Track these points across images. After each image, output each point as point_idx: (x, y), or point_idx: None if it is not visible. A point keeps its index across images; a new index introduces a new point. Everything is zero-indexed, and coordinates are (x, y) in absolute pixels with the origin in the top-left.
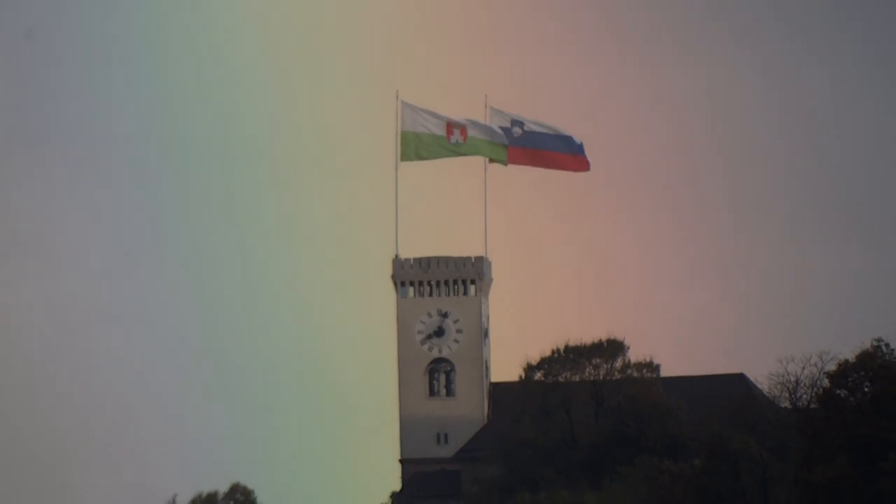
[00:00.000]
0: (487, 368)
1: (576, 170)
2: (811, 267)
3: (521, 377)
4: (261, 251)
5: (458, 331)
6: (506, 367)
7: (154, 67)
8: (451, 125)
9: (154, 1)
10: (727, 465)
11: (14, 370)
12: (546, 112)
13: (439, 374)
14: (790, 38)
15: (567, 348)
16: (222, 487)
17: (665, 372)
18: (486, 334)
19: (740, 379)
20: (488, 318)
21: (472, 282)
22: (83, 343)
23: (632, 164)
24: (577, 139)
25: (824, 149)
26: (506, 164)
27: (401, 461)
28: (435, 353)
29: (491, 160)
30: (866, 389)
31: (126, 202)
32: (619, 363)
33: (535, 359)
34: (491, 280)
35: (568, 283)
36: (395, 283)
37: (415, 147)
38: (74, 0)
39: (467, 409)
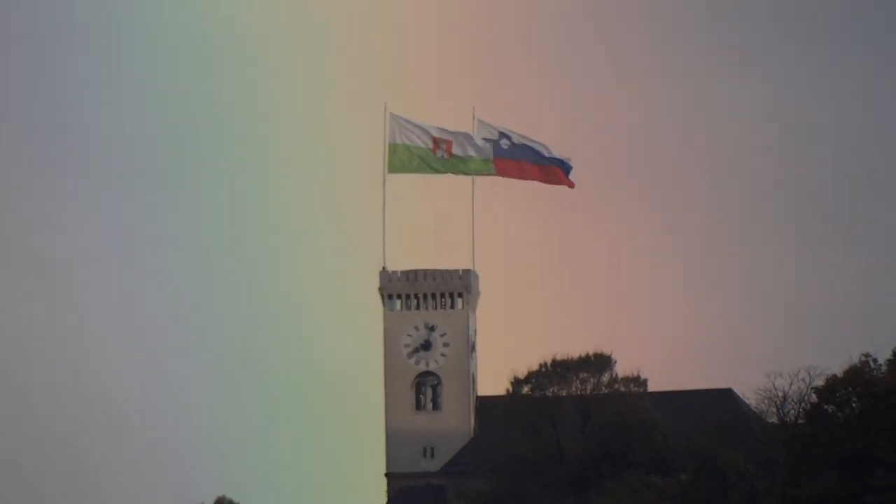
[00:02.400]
0: (474, 382)
1: (560, 184)
2: (799, 281)
3: (508, 391)
4: (247, 262)
5: (445, 344)
6: (493, 380)
7: (137, 76)
8: (436, 140)
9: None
10: (714, 481)
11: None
12: (534, 125)
13: (426, 388)
14: (778, 46)
15: (554, 362)
16: (208, 500)
17: (652, 387)
18: (472, 348)
19: (728, 394)
20: (475, 331)
21: (460, 295)
22: (68, 355)
23: (619, 178)
24: (567, 161)
25: (812, 163)
26: (493, 174)
27: (387, 475)
28: (422, 367)
29: (477, 174)
30: (854, 405)
31: (116, 204)
32: (606, 378)
33: (522, 373)
34: (478, 293)
35: (555, 297)
36: (381, 296)
37: (402, 159)
38: (74, 0)
39: (454, 423)
